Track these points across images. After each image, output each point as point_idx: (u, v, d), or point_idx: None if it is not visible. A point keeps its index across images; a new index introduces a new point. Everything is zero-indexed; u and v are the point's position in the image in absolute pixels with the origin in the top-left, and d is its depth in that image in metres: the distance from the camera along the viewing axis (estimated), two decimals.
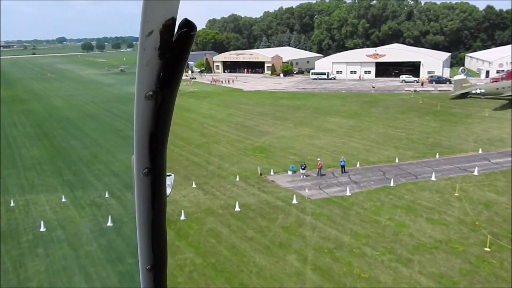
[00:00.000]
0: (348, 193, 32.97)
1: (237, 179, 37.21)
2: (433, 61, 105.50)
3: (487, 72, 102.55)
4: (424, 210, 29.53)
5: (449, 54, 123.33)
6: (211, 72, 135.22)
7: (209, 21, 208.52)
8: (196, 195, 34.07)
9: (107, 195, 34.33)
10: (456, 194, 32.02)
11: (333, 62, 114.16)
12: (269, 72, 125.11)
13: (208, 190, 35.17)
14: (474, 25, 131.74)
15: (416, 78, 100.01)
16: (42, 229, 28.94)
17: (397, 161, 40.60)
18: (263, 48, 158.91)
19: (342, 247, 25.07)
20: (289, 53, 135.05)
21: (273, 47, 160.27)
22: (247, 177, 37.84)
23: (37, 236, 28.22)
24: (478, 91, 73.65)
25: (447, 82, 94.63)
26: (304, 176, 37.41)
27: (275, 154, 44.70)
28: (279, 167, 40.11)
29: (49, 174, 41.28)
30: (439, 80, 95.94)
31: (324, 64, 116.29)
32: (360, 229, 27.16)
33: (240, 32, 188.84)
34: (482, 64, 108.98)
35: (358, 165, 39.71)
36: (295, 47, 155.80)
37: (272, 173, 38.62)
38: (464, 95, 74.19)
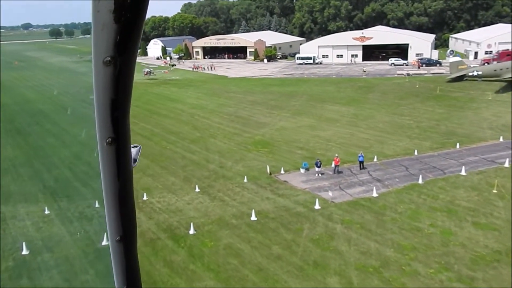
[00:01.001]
0: (375, 194, 29.29)
1: (245, 180, 33.04)
2: (421, 43, 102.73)
3: (476, 53, 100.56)
4: (467, 213, 26.10)
5: (433, 35, 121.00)
6: (191, 58, 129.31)
7: (184, 5, 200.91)
8: (202, 202, 29.75)
9: (97, 205, 29.63)
10: (495, 191, 28.74)
11: (318, 46, 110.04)
12: (252, 57, 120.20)
13: (215, 194, 30.89)
14: (457, 6, 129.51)
15: (405, 61, 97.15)
16: (25, 251, 24.21)
17: (416, 153, 37.15)
18: (243, 32, 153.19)
19: (388, 264, 21.35)
20: (270, 38, 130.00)
21: (252, 31, 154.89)
22: (255, 177, 33.70)
23: (18, 261, 23.49)
24: (475, 73, 71.12)
25: (438, 65, 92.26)
26: (320, 175, 33.55)
27: (280, 149, 40.63)
28: (288, 164, 36.10)
29: (26, 179, 36.15)
30: (430, 63, 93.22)
31: (309, 48, 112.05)
32: (402, 240, 23.50)
33: (217, 16, 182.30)
34: (469, 45, 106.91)
35: (375, 159, 36.05)
36: (276, 31, 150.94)
37: (282, 171, 34.60)
38: (460, 78, 71.51)
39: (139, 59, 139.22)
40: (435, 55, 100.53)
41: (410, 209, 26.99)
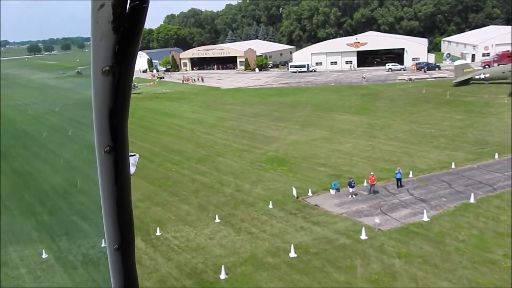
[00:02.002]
0: (425, 218, 25.46)
1: (270, 205, 28.91)
2: (417, 47, 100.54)
3: (473, 55, 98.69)
4: None
5: (426, 39, 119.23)
6: (178, 70, 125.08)
7: (167, 16, 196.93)
8: (226, 235, 25.49)
9: (103, 244, 25.10)
10: None
11: (311, 53, 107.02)
12: (243, 67, 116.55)
13: (239, 225, 26.66)
14: (447, 9, 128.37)
15: (402, 66, 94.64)
16: None
17: (453, 166, 33.55)
18: (229, 42, 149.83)
19: None
20: (260, 46, 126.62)
21: (239, 41, 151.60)
22: (281, 202, 29.59)
23: None
24: (482, 76, 68.50)
25: (437, 68, 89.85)
26: (353, 196, 29.64)
27: (299, 167, 36.65)
28: (314, 185, 32.11)
29: (16, 214, 31.36)
30: (428, 67, 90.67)
31: (301, 56, 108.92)
32: (479, 277, 19.64)
33: (202, 27, 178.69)
34: (465, 48, 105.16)
35: (411, 175, 32.31)
36: (263, 40, 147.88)
37: (310, 193, 30.57)
38: (466, 81, 68.82)
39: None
40: (431, 59, 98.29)
41: (474, 236, 23.20)
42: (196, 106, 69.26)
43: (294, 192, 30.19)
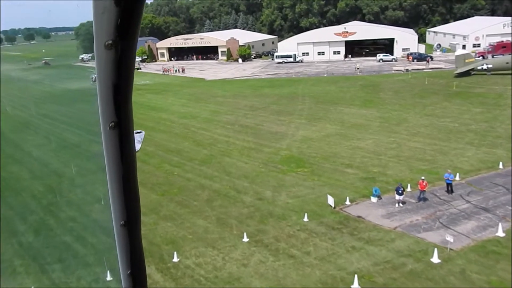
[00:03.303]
0: (500, 233, 21.18)
1: (305, 218, 24.05)
2: (407, 37, 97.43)
3: (464, 46, 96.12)
4: None
5: (411, 30, 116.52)
6: (155, 61, 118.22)
7: None
8: (263, 260, 20.47)
9: (109, 277, 19.65)
10: None
11: (298, 43, 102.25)
12: (225, 57, 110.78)
13: (275, 246, 21.67)
14: None
15: (393, 57, 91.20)
16: None
17: (501, 166, 29.52)
18: (207, 32, 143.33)
19: None
20: (241, 36, 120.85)
21: (217, 30, 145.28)
22: (316, 213, 24.77)
23: None
24: (485, 66, 65.34)
25: (429, 59, 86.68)
26: (400, 204, 25.13)
27: (322, 168, 31.90)
28: (347, 190, 27.46)
29: None
30: (420, 57, 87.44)
31: (287, 45, 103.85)
32: None
33: (176, 16, 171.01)
34: (453, 38, 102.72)
35: (457, 177, 28.06)
36: (243, 30, 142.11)
37: (348, 202, 25.87)
38: (468, 72, 65.67)
39: (92, 64, 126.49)
40: (421, 49, 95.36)
41: None
42: (184, 99, 63.46)
43: (331, 201, 25.40)
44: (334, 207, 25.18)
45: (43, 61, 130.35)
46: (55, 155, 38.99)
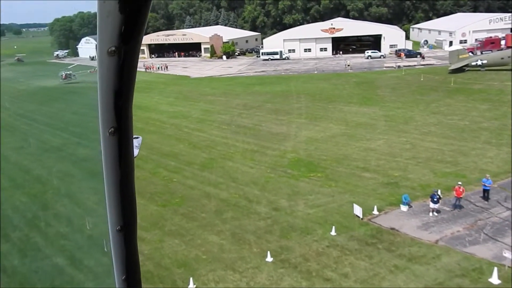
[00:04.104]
0: None
1: (333, 232, 21.29)
2: (394, 34, 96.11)
3: (450, 42, 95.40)
4: None
5: (396, 26, 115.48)
6: None
7: None
8: (296, 286, 17.59)
9: None
10: None
11: (284, 40, 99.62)
12: (208, 54, 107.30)
13: (305, 267, 18.81)
14: None
15: (382, 53, 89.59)
16: None
17: None
18: (188, 28, 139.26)
19: None
20: (223, 33, 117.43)
21: (198, 27, 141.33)
22: (343, 225, 22.04)
23: None
24: (479, 62, 63.99)
25: (418, 56, 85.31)
26: (435, 213, 22.66)
27: (337, 173, 29.24)
28: (371, 198, 24.88)
29: None
30: (409, 54, 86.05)
31: (272, 42, 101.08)
32: None
33: (154, 12, 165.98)
34: (439, 35, 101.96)
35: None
36: (225, 26, 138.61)
37: (375, 211, 23.25)
38: (462, 68, 64.32)
39: (68, 60, 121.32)
40: (409, 45, 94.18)
41: None
42: (171, 98, 59.99)
43: (358, 211, 22.72)
44: (362, 218, 22.51)
45: (16, 58, 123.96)
46: (36, 160, 35.16)
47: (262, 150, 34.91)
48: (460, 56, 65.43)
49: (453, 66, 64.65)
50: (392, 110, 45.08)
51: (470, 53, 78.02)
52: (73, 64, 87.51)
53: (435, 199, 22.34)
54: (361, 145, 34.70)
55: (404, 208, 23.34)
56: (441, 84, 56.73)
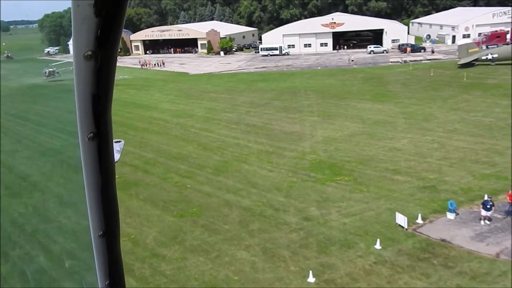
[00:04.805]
0: None
1: (377, 245, 18.91)
2: (396, 28, 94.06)
3: (453, 37, 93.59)
4: None
5: (395, 21, 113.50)
6: (129, 54, 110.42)
7: None
8: None
9: None
10: None
11: (283, 35, 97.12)
12: (205, 50, 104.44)
13: None
14: None
15: (385, 48, 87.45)
16: None
17: None
18: (182, 24, 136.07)
19: None
20: (220, 28, 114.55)
21: (192, 22, 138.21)
22: (387, 237, 19.66)
23: None
24: (490, 56, 62.10)
25: (422, 50, 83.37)
26: (486, 221, 20.38)
27: (365, 176, 26.86)
28: (410, 204, 22.56)
29: None
30: (414, 48, 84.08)
31: (271, 37, 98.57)
32: None
33: (148, 8, 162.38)
34: (441, 29, 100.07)
35: None
36: (220, 22, 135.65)
37: (420, 220, 20.90)
38: (472, 62, 62.34)
39: (59, 57, 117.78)
40: (411, 40, 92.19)
41: None
42: (172, 95, 57.21)
43: (401, 220, 20.34)
44: (407, 228, 20.15)
45: (5, 55, 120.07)
46: (33, 165, 32.33)
47: (279, 151, 32.44)
48: (470, 50, 63.46)
49: (463, 61, 62.68)
50: (409, 107, 42.83)
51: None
52: (62, 61, 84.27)
53: (488, 206, 20.05)
54: (385, 144, 32.37)
55: (451, 215, 21.03)
56: (454, 79, 54.65)
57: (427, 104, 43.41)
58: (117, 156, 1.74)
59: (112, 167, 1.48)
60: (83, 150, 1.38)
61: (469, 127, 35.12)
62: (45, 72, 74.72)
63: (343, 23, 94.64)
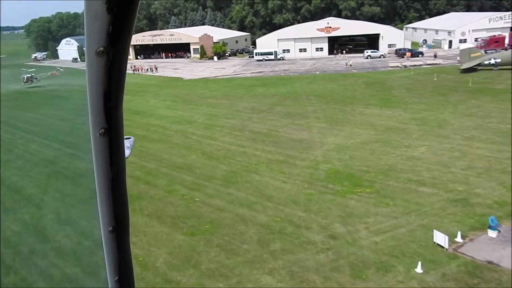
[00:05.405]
0: None
1: (418, 268, 16.93)
2: (393, 33, 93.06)
3: (450, 42, 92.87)
4: None
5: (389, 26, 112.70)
6: None
7: None
8: None
9: None
10: None
11: (278, 39, 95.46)
12: (197, 55, 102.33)
13: None
14: None
15: (382, 53, 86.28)
16: None
17: None
18: (173, 29, 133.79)
19: None
20: (212, 33, 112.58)
21: (183, 27, 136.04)
22: (427, 259, 17.69)
23: None
24: (492, 61, 61.10)
25: (420, 55, 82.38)
26: None
27: (387, 187, 24.95)
28: (445, 220, 20.70)
29: None
30: (412, 53, 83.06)
31: (265, 42, 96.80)
32: None
33: (138, 13, 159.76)
34: (436, 34, 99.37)
35: None
36: (211, 26, 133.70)
37: (459, 238, 19.00)
38: (474, 67, 61.25)
39: (47, 62, 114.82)
40: (407, 45, 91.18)
41: None
42: (168, 101, 54.94)
43: (440, 239, 18.41)
44: (447, 248, 18.22)
45: None
46: (26, 176, 29.82)
47: (289, 160, 30.42)
48: (472, 55, 62.38)
49: (465, 66, 61.54)
50: (419, 112, 41.20)
51: None
52: (56, 66, 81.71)
53: None
54: (402, 153, 30.55)
55: (492, 233, 19.18)
56: (458, 84, 53.34)
57: (438, 109, 41.83)
58: (127, 152, 1.68)
59: (123, 163, 1.46)
60: (95, 145, 1.37)
61: (487, 134, 33.52)
62: (23, 78, 72.47)
63: (338, 28, 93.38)
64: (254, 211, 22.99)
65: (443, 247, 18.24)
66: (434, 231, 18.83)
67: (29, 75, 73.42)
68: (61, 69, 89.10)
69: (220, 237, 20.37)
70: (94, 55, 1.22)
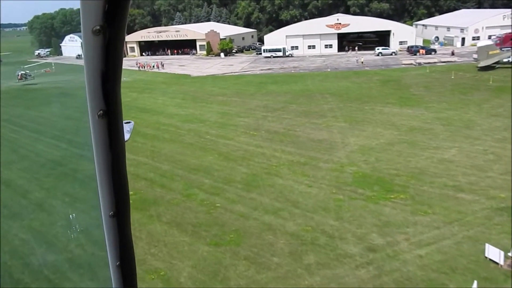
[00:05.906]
0: None
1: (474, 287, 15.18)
2: (404, 30, 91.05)
3: (463, 39, 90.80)
4: None
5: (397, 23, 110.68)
6: (125, 56, 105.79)
7: None
8: None
9: None
10: None
11: (286, 36, 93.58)
12: (204, 52, 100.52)
13: None
14: None
15: (393, 50, 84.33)
16: None
17: None
18: (178, 25, 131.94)
19: None
20: (218, 30, 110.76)
21: (188, 23, 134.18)
22: (481, 276, 15.94)
23: None
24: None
25: (433, 52, 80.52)
26: None
27: (423, 193, 23.17)
28: (491, 231, 18.93)
29: None
30: (426, 50, 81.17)
31: (274, 38, 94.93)
32: None
33: (141, 9, 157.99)
34: (448, 31, 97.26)
35: None
36: (217, 23, 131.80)
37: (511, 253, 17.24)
38: (492, 65, 59.38)
39: (51, 59, 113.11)
40: (419, 42, 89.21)
41: None
42: (177, 99, 53.15)
43: (493, 255, 16.64)
44: (502, 265, 16.46)
45: None
46: (33, 178, 28.08)
47: (312, 162, 28.65)
48: (490, 52, 60.47)
49: (483, 63, 59.68)
50: (442, 112, 39.38)
51: None
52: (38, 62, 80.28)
53: None
54: (431, 155, 28.75)
55: None
56: (478, 82, 51.44)
57: (461, 109, 40.01)
58: (127, 136, 1.65)
59: (122, 145, 1.44)
60: (93, 127, 1.35)
61: None
62: (18, 75, 70.82)
63: (348, 24, 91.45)
64: (281, 218, 21.24)
65: (497, 263, 16.46)
66: (486, 244, 17.06)
67: (23, 72, 71.92)
68: (53, 66, 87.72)
69: (247, 248, 18.63)
70: (90, 34, 1.18)
